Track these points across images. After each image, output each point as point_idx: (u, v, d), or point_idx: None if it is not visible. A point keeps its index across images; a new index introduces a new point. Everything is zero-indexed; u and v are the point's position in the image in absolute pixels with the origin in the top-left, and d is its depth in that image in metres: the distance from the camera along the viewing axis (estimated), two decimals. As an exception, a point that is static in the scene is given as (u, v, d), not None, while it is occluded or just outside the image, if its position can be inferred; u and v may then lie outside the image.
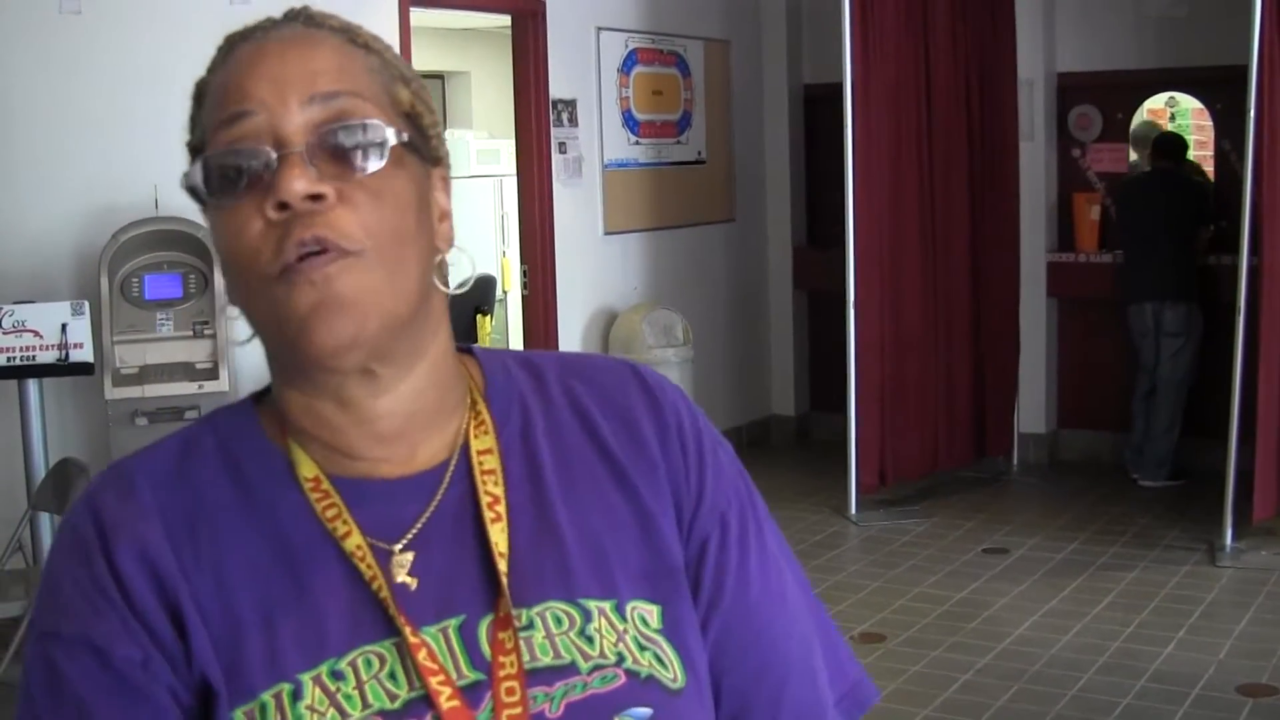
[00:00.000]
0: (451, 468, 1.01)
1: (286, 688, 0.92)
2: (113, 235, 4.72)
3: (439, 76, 9.99)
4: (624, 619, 0.99)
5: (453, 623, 0.96)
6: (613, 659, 0.97)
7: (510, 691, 0.93)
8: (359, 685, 0.92)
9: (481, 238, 8.64)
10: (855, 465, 6.34)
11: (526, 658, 0.95)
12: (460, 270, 1.08)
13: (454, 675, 0.93)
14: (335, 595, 0.95)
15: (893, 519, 6.33)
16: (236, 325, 1.01)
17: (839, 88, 6.23)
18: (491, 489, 1.00)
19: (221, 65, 0.98)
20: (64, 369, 4.63)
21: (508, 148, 7.47)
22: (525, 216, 6.68)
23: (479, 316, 8.42)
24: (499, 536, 0.98)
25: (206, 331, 4.79)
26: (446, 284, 1.02)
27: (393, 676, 0.93)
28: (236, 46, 0.98)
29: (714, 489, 1.07)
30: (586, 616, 0.98)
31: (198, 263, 4.81)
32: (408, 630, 0.94)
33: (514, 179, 6.90)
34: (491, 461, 1.02)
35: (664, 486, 1.05)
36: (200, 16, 4.95)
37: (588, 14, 6.75)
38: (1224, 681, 4.39)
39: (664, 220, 7.28)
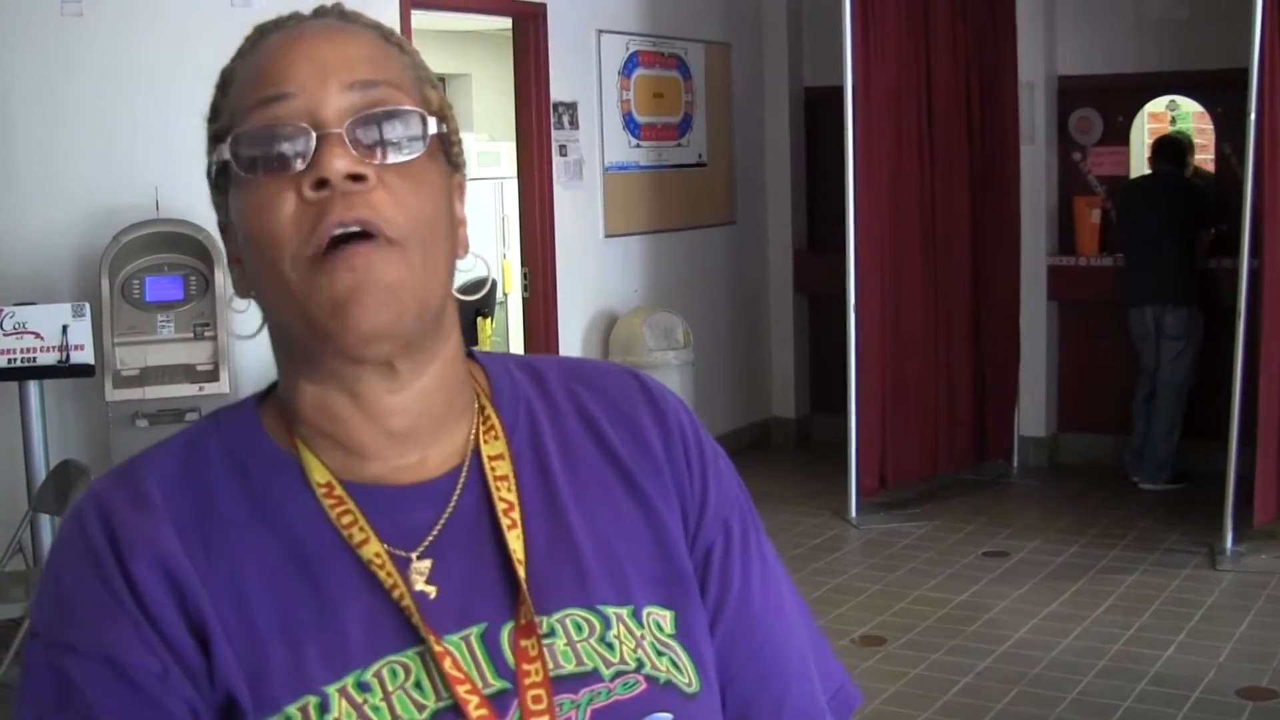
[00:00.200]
0: (464, 473, 1.00)
1: (313, 700, 0.90)
2: (114, 237, 4.72)
3: (440, 79, 9.95)
4: (641, 625, 0.99)
5: (474, 631, 0.95)
6: (633, 665, 0.97)
7: (537, 699, 0.92)
8: (386, 696, 0.91)
9: (482, 240, 8.65)
10: (855, 468, 6.33)
11: (550, 665, 0.94)
12: (469, 276, 1.08)
13: (479, 684, 0.92)
14: (354, 604, 0.93)
15: (893, 522, 6.33)
16: (242, 319, 1.00)
17: (839, 91, 6.23)
18: (505, 495, 1.00)
19: (251, 52, 0.97)
20: (65, 371, 4.64)
21: (508, 150, 7.47)
22: (526, 219, 6.68)
23: (480, 319, 8.42)
24: (516, 543, 0.98)
25: (207, 333, 4.79)
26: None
27: (419, 686, 0.91)
28: (268, 35, 0.97)
29: (717, 496, 1.08)
30: (606, 623, 0.98)
31: (198, 265, 4.82)
32: (432, 639, 0.93)
33: (515, 181, 6.90)
34: (504, 467, 1.01)
35: (671, 492, 1.05)
36: (201, 18, 4.96)
37: (588, 16, 6.76)
38: (1224, 684, 4.39)
39: (664, 223, 7.29)
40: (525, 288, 6.70)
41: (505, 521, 0.98)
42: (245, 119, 0.94)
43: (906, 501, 6.60)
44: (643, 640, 0.98)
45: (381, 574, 0.94)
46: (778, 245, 8.00)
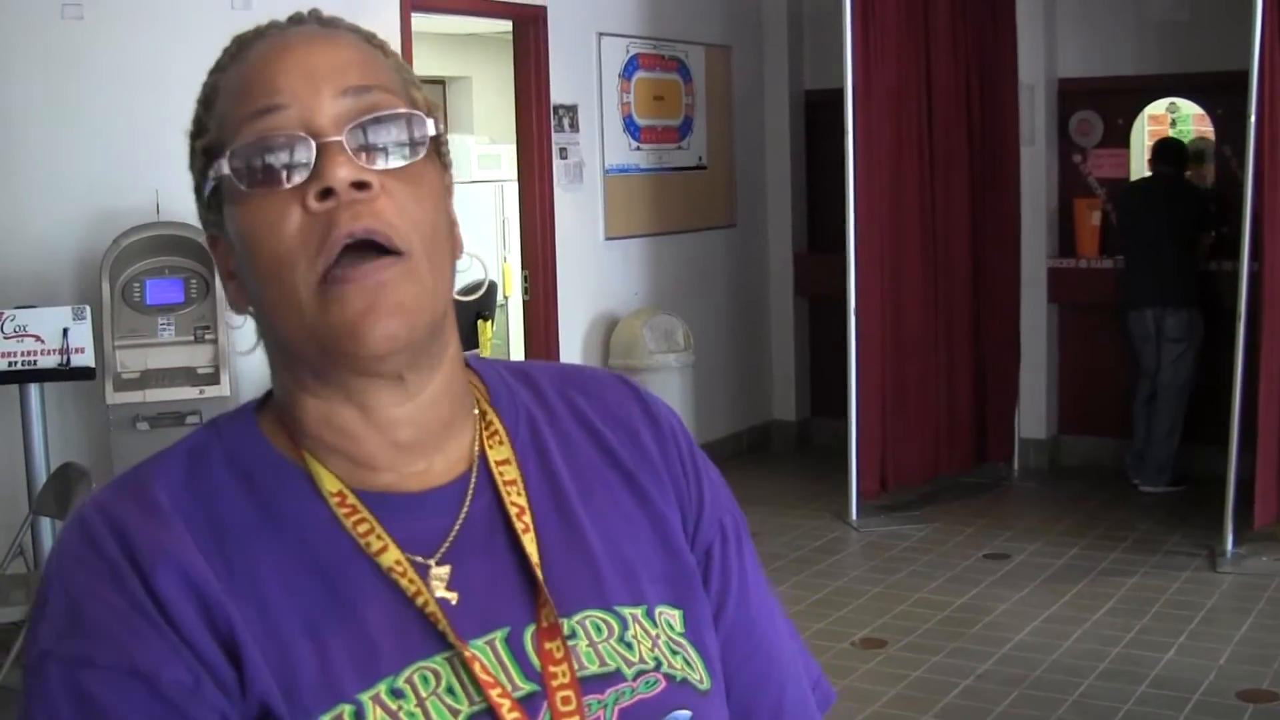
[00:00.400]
0: (473, 479, 1.00)
1: (347, 709, 0.89)
2: (114, 240, 4.72)
3: (440, 81, 10.00)
4: (654, 624, 1.00)
5: (498, 635, 0.95)
6: (651, 664, 0.98)
7: (566, 701, 0.93)
8: (420, 703, 0.90)
9: (483, 243, 8.64)
10: (856, 470, 6.33)
11: (576, 666, 0.95)
12: (466, 277, 1.08)
13: (509, 687, 0.92)
14: (378, 611, 0.92)
15: (894, 524, 6.33)
16: (238, 335, 0.99)
17: (840, 93, 6.23)
18: (516, 499, 1.00)
19: (234, 64, 0.96)
20: (65, 374, 4.64)
21: (509, 153, 7.47)
22: (526, 222, 6.68)
23: (480, 321, 8.42)
24: (531, 547, 0.98)
25: (208, 336, 4.79)
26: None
27: (451, 691, 0.91)
28: (250, 45, 0.96)
29: (712, 498, 1.09)
30: (623, 624, 0.98)
31: (199, 268, 4.82)
32: (461, 644, 0.92)
33: (515, 184, 6.91)
34: (511, 472, 1.01)
35: (670, 493, 1.06)
36: (201, 21, 4.97)
37: (589, 19, 6.76)
38: (1224, 687, 4.39)
39: (665, 226, 7.29)
40: (526, 290, 6.70)
41: (519, 526, 0.98)
42: (238, 132, 0.92)
43: (907, 504, 6.59)
44: (658, 640, 0.99)
45: (404, 581, 0.93)
46: (778, 247, 8.00)
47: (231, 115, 0.94)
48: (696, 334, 7.01)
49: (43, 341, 4.60)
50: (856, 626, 5.03)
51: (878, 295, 6.36)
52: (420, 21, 6.11)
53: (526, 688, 0.93)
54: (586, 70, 6.79)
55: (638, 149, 7.13)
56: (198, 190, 0.97)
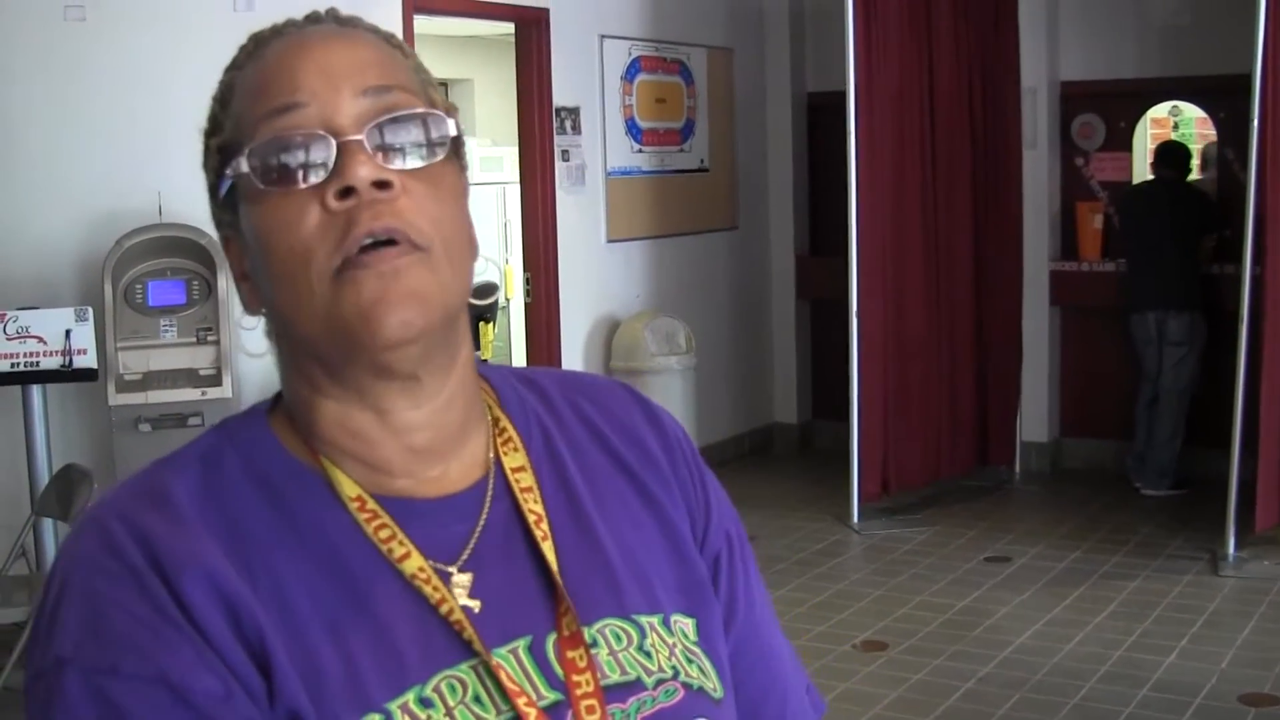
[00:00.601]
0: (490, 485, 0.99)
1: (376, 718, 0.88)
2: (116, 241, 4.73)
3: (442, 84, 9.93)
4: (671, 633, 1.00)
5: (521, 644, 0.94)
6: (670, 673, 0.97)
7: (590, 710, 0.92)
8: (449, 712, 0.89)
9: (484, 245, 8.64)
10: (857, 473, 6.33)
11: (599, 676, 0.94)
12: (478, 279, 1.08)
13: (534, 696, 0.92)
14: (401, 618, 0.91)
15: (895, 527, 6.33)
16: (249, 338, 0.98)
17: (842, 95, 6.23)
18: (533, 506, 0.99)
19: (251, 62, 0.95)
20: (67, 375, 4.64)
21: (511, 155, 7.47)
22: (528, 224, 6.68)
23: (482, 324, 8.41)
24: (551, 555, 0.97)
25: (210, 338, 4.79)
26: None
27: (478, 700, 0.90)
28: (268, 43, 0.95)
29: (717, 505, 1.09)
30: (641, 632, 0.98)
31: (201, 269, 4.82)
32: (486, 653, 0.92)
33: (517, 186, 6.91)
34: (527, 479, 1.00)
35: (679, 500, 1.06)
36: (204, 22, 4.97)
37: (591, 22, 6.76)
38: (1226, 691, 4.38)
39: (667, 228, 7.29)
40: (527, 293, 6.70)
41: (538, 533, 0.98)
42: (255, 131, 0.91)
43: (908, 507, 6.59)
44: (675, 648, 0.99)
45: (428, 589, 0.92)
46: (780, 250, 8.00)
47: (249, 113, 0.93)
48: (698, 336, 7.01)
49: (45, 343, 4.61)
50: (858, 629, 5.03)
51: (879, 298, 6.36)
52: (422, 23, 6.11)
53: (551, 696, 0.92)
54: (588, 72, 6.79)
55: (640, 151, 7.13)
56: (212, 190, 0.96)
